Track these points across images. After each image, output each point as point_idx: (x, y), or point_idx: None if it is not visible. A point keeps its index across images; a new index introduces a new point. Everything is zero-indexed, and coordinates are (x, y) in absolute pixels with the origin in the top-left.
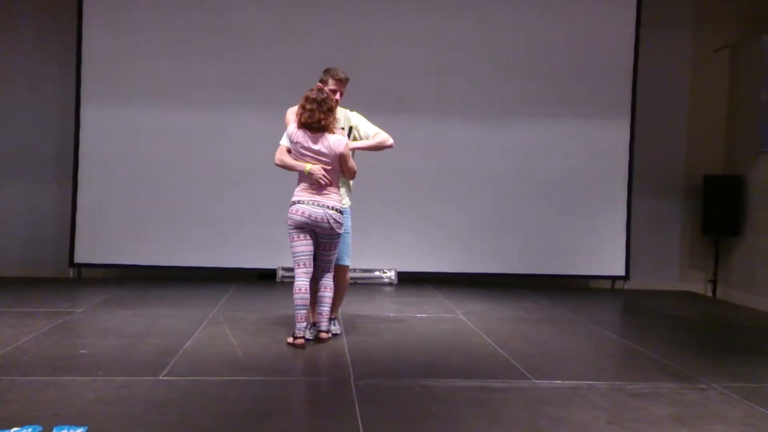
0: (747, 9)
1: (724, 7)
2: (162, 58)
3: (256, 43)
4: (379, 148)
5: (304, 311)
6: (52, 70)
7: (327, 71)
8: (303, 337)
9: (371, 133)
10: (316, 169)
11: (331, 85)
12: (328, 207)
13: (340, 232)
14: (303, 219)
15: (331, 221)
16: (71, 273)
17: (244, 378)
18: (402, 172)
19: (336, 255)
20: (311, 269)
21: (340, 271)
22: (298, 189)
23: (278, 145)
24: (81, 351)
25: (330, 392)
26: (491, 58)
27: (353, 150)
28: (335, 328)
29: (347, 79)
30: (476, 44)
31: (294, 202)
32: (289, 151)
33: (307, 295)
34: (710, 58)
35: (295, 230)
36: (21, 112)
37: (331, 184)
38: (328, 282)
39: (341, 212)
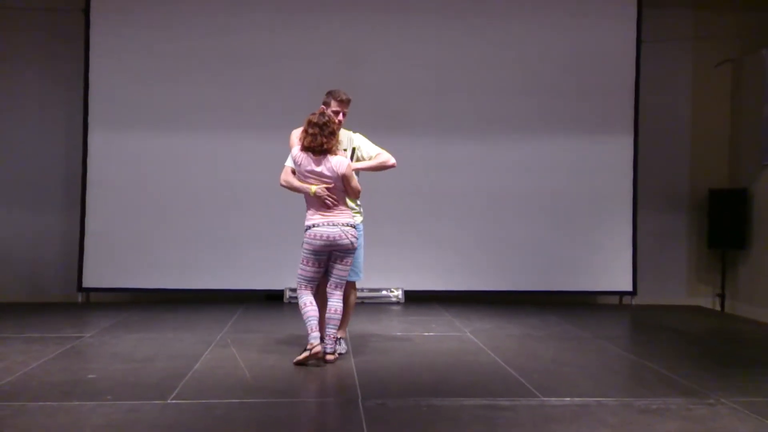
0: (747, 23)
1: (723, 22)
2: (167, 84)
3: (259, 66)
4: (381, 168)
5: (315, 321)
6: (60, 96)
7: (329, 93)
8: (318, 345)
9: (373, 153)
10: (321, 190)
11: (334, 106)
12: (342, 224)
13: (356, 246)
14: (321, 242)
15: (350, 236)
16: (80, 298)
17: (252, 400)
18: (407, 190)
19: (348, 270)
20: (315, 288)
21: (348, 286)
22: (309, 213)
23: (283, 166)
24: (90, 376)
25: (338, 413)
26: (493, 77)
27: (356, 170)
28: (341, 348)
29: (349, 100)
30: (477, 63)
31: (309, 227)
32: (293, 172)
33: (315, 307)
34: (712, 73)
35: (312, 255)
36: (28, 138)
37: (338, 204)
38: (337, 304)
39: (355, 227)
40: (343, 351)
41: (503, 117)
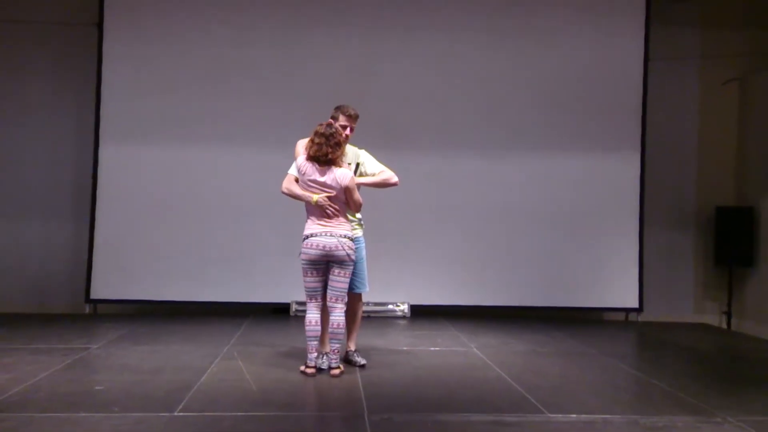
0: (754, 42)
1: (730, 40)
2: (179, 96)
3: (268, 79)
4: (383, 185)
5: (315, 342)
6: (72, 108)
7: (338, 108)
8: (314, 367)
9: (377, 170)
10: (323, 199)
11: (342, 121)
12: (340, 236)
13: (354, 259)
14: (318, 252)
15: (346, 248)
16: (87, 309)
17: (258, 413)
18: (414, 204)
19: (348, 283)
20: (322, 302)
21: (353, 298)
22: (308, 223)
23: (286, 174)
24: (97, 387)
25: (344, 427)
26: (501, 92)
27: (359, 185)
28: (360, 360)
29: (357, 116)
30: (485, 78)
31: (306, 236)
32: (296, 180)
33: (318, 327)
34: (719, 91)
35: (309, 265)
36: (39, 149)
37: (338, 215)
38: (339, 318)
39: (353, 240)
40: (363, 362)
41: (511, 132)
